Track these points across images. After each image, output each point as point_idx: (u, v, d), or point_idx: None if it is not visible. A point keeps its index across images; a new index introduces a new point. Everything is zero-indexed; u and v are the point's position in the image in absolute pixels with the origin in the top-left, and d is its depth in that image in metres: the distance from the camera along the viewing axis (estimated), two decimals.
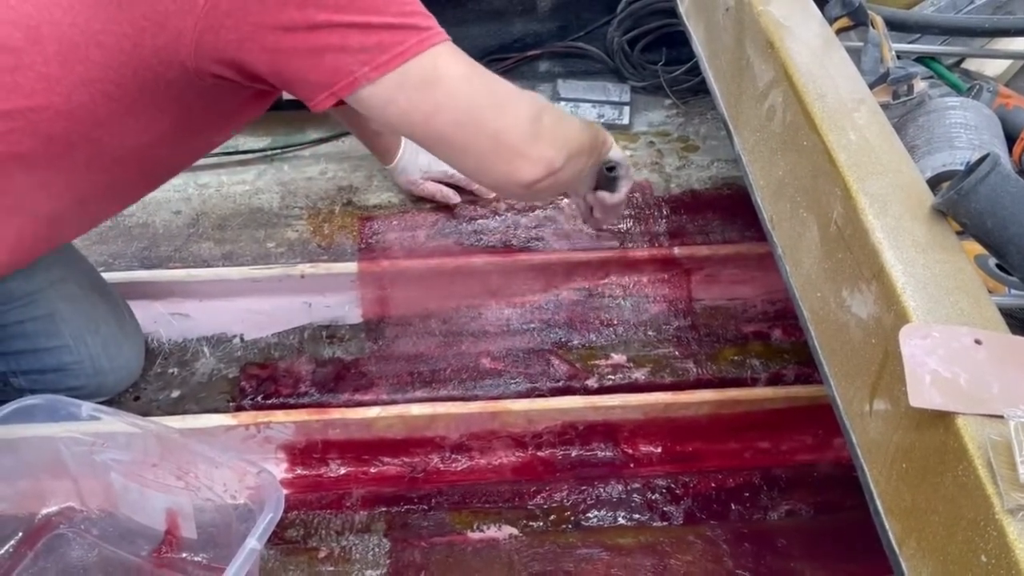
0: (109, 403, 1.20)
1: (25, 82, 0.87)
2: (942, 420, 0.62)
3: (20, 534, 1.09)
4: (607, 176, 1.20)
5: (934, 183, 0.84)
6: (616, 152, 1.19)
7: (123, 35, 0.85)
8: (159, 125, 0.94)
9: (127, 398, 1.27)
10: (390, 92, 0.87)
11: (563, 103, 1.71)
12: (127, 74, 0.87)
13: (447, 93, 0.88)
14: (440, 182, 1.48)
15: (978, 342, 0.65)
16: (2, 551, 1.07)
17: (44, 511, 1.11)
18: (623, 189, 1.23)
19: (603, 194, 1.22)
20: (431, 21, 0.89)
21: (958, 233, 0.75)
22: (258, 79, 0.89)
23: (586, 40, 1.81)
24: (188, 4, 0.83)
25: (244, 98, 0.96)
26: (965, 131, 0.88)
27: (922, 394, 0.62)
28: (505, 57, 1.80)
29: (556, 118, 0.98)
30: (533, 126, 0.93)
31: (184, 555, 1.08)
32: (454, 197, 1.49)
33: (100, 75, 0.87)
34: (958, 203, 0.71)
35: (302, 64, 0.86)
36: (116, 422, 1.03)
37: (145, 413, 1.23)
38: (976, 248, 0.77)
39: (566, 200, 1.54)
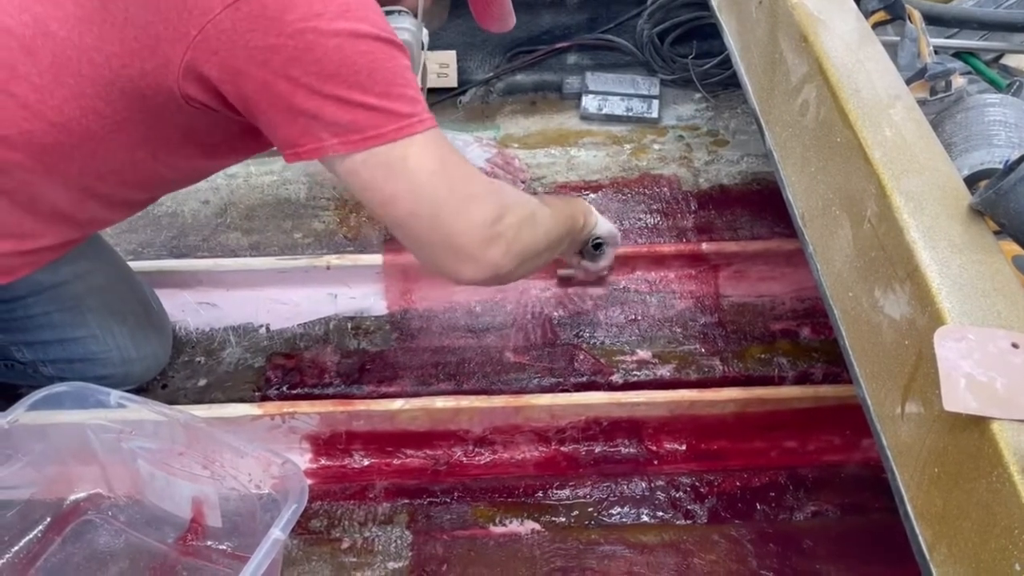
0: (137, 391, 1.21)
1: (20, 92, 0.88)
2: (977, 425, 0.61)
3: (48, 519, 1.10)
4: (592, 250, 1.26)
5: (971, 182, 0.82)
6: (603, 227, 1.23)
7: (113, 54, 0.86)
8: (150, 144, 0.95)
9: (154, 386, 1.28)
10: (355, 167, 0.86)
11: (591, 96, 1.70)
12: (114, 92, 0.88)
13: (409, 185, 0.87)
14: None
15: (1015, 346, 0.63)
16: (31, 535, 1.09)
17: (72, 497, 1.13)
18: (603, 262, 1.30)
19: (586, 263, 1.29)
20: (416, 107, 0.87)
21: (996, 233, 0.73)
22: (240, 115, 0.89)
23: (615, 32, 1.80)
24: (180, 32, 0.82)
25: (236, 130, 0.96)
26: (1004, 129, 0.85)
27: (956, 398, 0.61)
28: (534, 49, 1.79)
29: (519, 221, 0.94)
30: (489, 230, 0.91)
31: (209, 543, 1.09)
32: None
33: (90, 91, 0.88)
34: (996, 202, 0.70)
35: (275, 117, 0.85)
36: (143, 410, 1.04)
37: (172, 401, 1.24)
38: (1014, 249, 0.75)
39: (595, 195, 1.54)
